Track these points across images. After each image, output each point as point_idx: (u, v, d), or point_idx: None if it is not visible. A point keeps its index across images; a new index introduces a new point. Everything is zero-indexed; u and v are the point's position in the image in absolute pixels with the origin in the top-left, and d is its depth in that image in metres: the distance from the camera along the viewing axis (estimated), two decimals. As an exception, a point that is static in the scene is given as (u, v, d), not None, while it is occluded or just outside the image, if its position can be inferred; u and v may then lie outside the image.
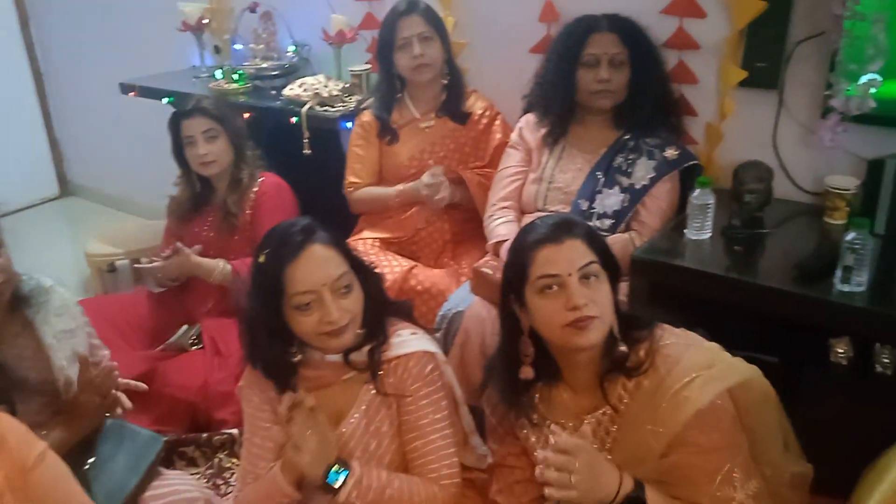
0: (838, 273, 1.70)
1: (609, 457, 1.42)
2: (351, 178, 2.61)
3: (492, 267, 2.10)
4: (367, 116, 2.60)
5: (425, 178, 2.45)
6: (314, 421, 1.52)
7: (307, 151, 2.72)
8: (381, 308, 1.65)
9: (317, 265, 1.52)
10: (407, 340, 1.63)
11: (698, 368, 1.41)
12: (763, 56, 2.15)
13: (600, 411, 1.46)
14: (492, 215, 2.34)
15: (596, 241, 1.46)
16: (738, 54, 2.20)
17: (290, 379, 1.60)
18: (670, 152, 2.20)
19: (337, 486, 1.51)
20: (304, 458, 1.50)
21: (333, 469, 1.51)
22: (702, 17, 2.24)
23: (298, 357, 1.59)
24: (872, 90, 1.94)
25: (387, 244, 2.56)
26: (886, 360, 1.74)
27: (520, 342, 1.49)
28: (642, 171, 2.18)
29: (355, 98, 2.77)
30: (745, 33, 2.17)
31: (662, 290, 1.95)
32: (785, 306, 1.77)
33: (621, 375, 1.45)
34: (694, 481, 1.38)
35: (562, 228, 1.44)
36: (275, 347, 1.57)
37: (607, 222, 2.18)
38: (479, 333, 2.09)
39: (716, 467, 1.37)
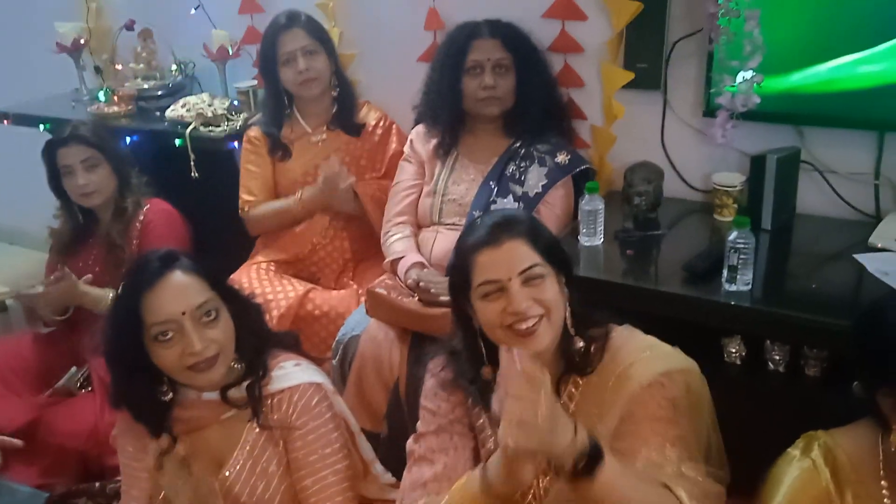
0: (724, 273, 1.70)
1: None
2: (245, 196, 2.50)
3: (386, 286, 2.04)
4: (254, 132, 2.50)
5: (322, 172, 2.35)
6: (187, 471, 1.43)
7: (194, 174, 2.60)
8: (261, 339, 1.57)
9: (176, 292, 1.43)
10: (290, 373, 1.55)
11: (641, 350, 1.38)
12: (644, 57, 2.15)
13: None
14: (388, 231, 2.28)
15: (540, 238, 1.38)
16: (619, 56, 2.19)
17: (163, 421, 1.50)
18: (561, 157, 2.18)
19: None
20: None
21: None
22: (583, 19, 2.23)
23: (169, 396, 1.49)
24: (755, 86, 1.95)
25: (284, 267, 2.47)
26: (777, 357, 1.75)
27: (477, 342, 1.41)
28: (535, 178, 2.16)
29: (242, 116, 2.67)
30: (624, 35, 2.16)
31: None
32: (677, 309, 1.77)
33: (574, 374, 1.39)
34: (630, 447, 1.30)
35: (501, 229, 1.35)
36: (139, 387, 1.47)
37: (504, 232, 2.14)
38: (375, 357, 2.02)
39: (652, 434, 1.30)
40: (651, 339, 1.43)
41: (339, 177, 2.33)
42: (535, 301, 1.32)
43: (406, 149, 2.36)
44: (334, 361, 2.11)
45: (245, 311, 1.56)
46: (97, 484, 2.13)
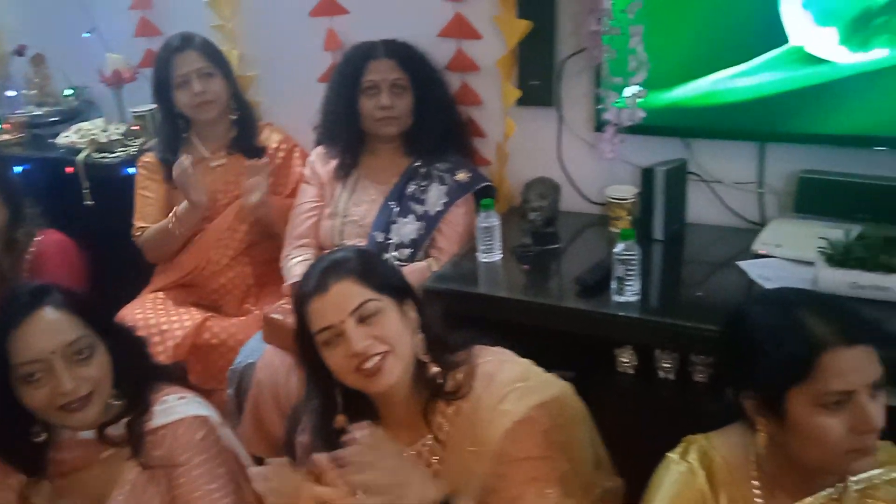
0: (613, 285, 1.72)
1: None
2: (138, 222, 2.42)
3: (282, 311, 2.00)
4: (149, 157, 2.44)
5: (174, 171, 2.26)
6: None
7: (88, 202, 2.51)
8: (142, 374, 1.52)
9: (45, 330, 1.37)
10: (173, 406, 1.50)
11: (513, 381, 1.37)
12: (536, 74, 2.18)
13: (421, 442, 1.40)
14: (288, 255, 2.24)
15: (371, 274, 1.37)
16: (513, 74, 2.22)
17: (38, 463, 1.43)
18: (461, 176, 2.19)
19: None
20: None
21: None
22: (478, 38, 2.26)
23: (42, 437, 1.42)
24: (639, 101, 2.00)
25: (185, 294, 2.39)
26: (667, 366, 1.78)
27: (333, 390, 1.39)
28: (435, 196, 2.16)
29: (139, 141, 2.60)
30: (517, 53, 2.19)
31: (459, 316, 1.91)
32: (571, 322, 1.79)
33: (440, 402, 1.39)
34: (514, 497, 1.33)
35: (327, 274, 1.35)
36: (10, 428, 1.40)
37: (405, 252, 2.14)
38: (272, 384, 1.97)
39: (531, 477, 1.33)
40: (524, 367, 1.43)
41: (188, 170, 2.25)
42: (375, 338, 1.32)
43: (306, 171, 2.33)
44: (230, 391, 2.05)
45: (125, 345, 1.51)
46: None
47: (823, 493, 1.19)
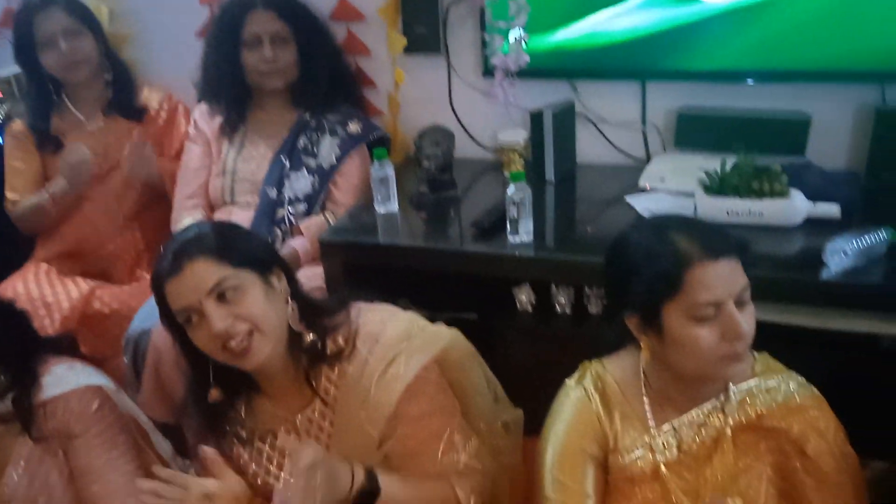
0: (508, 227, 1.76)
1: (331, 450, 1.35)
2: (9, 195, 2.28)
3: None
4: (18, 126, 2.29)
5: (65, 158, 2.17)
6: None
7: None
8: (24, 347, 1.45)
9: None
10: (63, 377, 1.45)
11: (399, 341, 1.37)
12: (421, 21, 2.17)
13: (310, 409, 1.39)
14: (178, 217, 2.17)
15: (228, 249, 1.31)
16: (398, 21, 2.20)
17: None
18: (353, 127, 2.16)
19: None
20: None
21: None
22: (361, -14, 2.22)
23: None
24: (524, 45, 2.02)
25: (70, 265, 2.28)
26: (563, 300, 1.84)
27: (206, 364, 1.36)
28: (327, 149, 2.13)
29: (4, 107, 2.43)
30: (400, 0, 2.17)
31: (359, 268, 1.91)
32: (470, 264, 1.82)
33: (323, 365, 1.37)
34: (416, 453, 1.36)
35: (181, 254, 1.29)
36: None
37: (301, 207, 2.11)
38: (171, 349, 1.91)
39: (433, 433, 1.36)
40: (407, 323, 1.43)
41: (85, 162, 2.16)
42: (237, 317, 1.28)
43: (191, 129, 2.25)
44: (126, 358, 1.98)
45: (6, 317, 1.45)
46: None
47: (707, 404, 1.27)
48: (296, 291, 1.39)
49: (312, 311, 1.39)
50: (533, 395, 1.56)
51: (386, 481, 1.32)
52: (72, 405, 1.43)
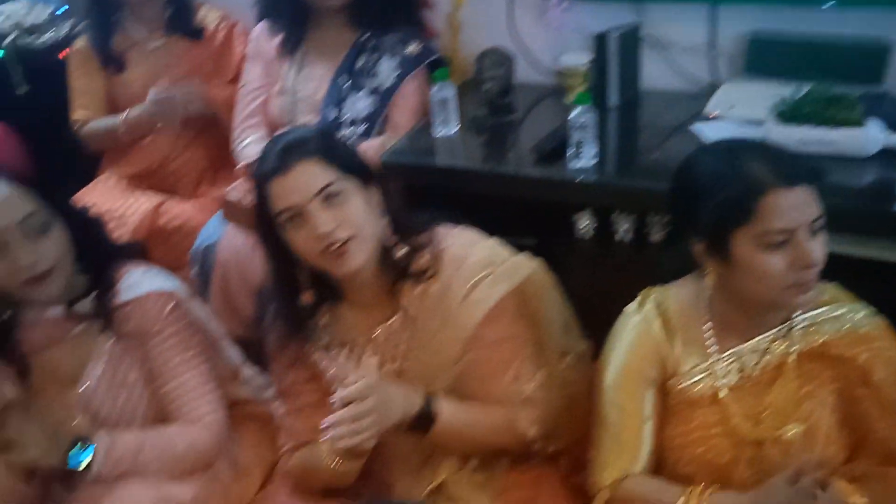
0: (570, 150, 1.74)
1: (402, 367, 1.40)
2: (77, 113, 2.33)
3: (241, 191, 1.98)
4: (80, 44, 2.32)
5: (151, 96, 2.21)
6: (25, 410, 1.38)
7: (23, 90, 2.39)
8: (102, 252, 1.51)
9: None
10: (139, 281, 1.50)
11: (483, 266, 1.39)
12: (485, -61, 2.11)
13: (389, 322, 1.42)
14: (239, 137, 2.19)
15: (334, 153, 1.34)
16: (461, -61, 2.14)
17: (5, 343, 1.44)
18: (412, 48, 2.13)
19: (83, 467, 1.37)
20: (32, 455, 1.35)
21: (74, 450, 1.37)
22: None
23: (7, 314, 1.42)
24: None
25: (137, 180, 2.34)
26: (625, 227, 1.83)
27: (295, 270, 1.39)
28: (386, 70, 2.11)
29: (69, 22, 2.45)
30: (465, -85, 2.11)
31: (418, 190, 1.92)
32: (530, 189, 1.81)
33: (407, 281, 1.40)
34: (485, 377, 1.39)
35: (289, 153, 1.31)
36: None
37: (360, 128, 2.11)
38: (237, 263, 1.98)
39: (505, 359, 1.39)
40: (491, 249, 1.44)
41: (174, 99, 2.19)
42: (340, 222, 1.30)
43: (249, 49, 2.25)
44: (193, 272, 2.05)
45: (82, 222, 1.49)
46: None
47: (772, 331, 1.26)
48: (388, 206, 1.40)
49: (403, 227, 1.41)
50: (592, 324, 1.57)
51: (445, 406, 1.35)
52: (147, 307, 1.48)
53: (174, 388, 1.49)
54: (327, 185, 1.30)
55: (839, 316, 1.25)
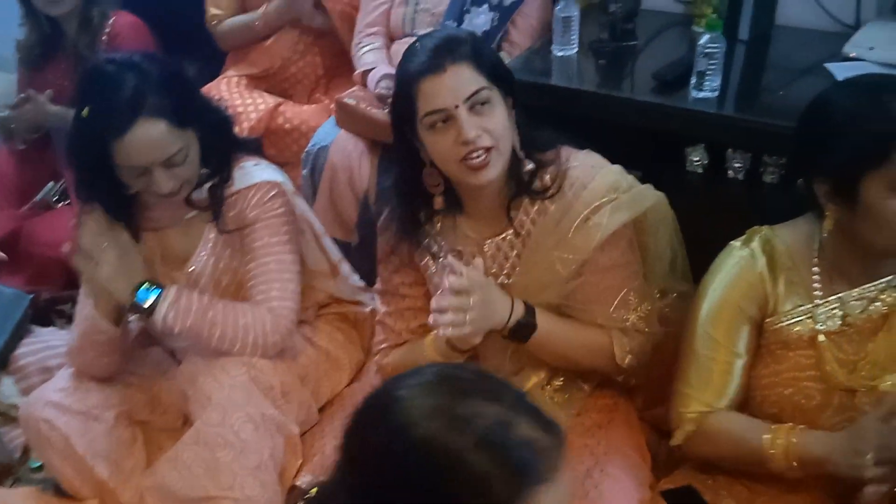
0: (693, 79, 1.69)
1: (508, 281, 1.42)
2: (212, 10, 2.42)
3: (356, 97, 2.02)
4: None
5: None
6: (113, 234, 1.48)
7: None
8: (224, 146, 1.58)
9: (147, 146, 1.41)
10: (250, 172, 1.58)
11: (606, 192, 1.37)
12: None
13: (501, 236, 1.43)
14: (359, 43, 2.22)
15: (484, 60, 1.31)
16: None
17: (130, 216, 1.55)
18: (539, -36, 2.09)
19: (147, 304, 1.47)
20: (102, 271, 1.45)
21: (142, 288, 1.48)
22: None
23: (133, 190, 1.49)
24: None
25: (255, 81, 2.42)
26: (738, 165, 1.77)
27: (423, 174, 1.39)
28: (511, -15, 2.08)
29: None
30: None
31: (532, 110, 1.90)
32: (647, 116, 1.77)
33: (526, 198, 1.39)
34: (592, 300, 1.40)
35: (443, 53, 1.27)
36: (103, 184, 1.49)
37: (479, 43, 2.10)
38: (346, 168, 2.04)
39: (614, 286, 1.39)
40: (616, 176, 1.40)
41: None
42: (484, 130, 1.28)
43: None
44: (304, 172, 2.13)
45: (212, 124, 1.54)
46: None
47: (882, 280, 1.21)
48: (520, 120, 1.39)
49: (531, 143, 1.39)
50: (697, 261, 1.55)
51: (546, 319, 1.37)
52: (251, 196, 1.55)
53: (253, 268, 1.55)
54: (477, 91, 1.27)
55: (959, 271, 1.19)
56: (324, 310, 1.76)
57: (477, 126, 1.28)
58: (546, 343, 1.38)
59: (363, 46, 2.20)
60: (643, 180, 1.73)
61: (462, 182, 1.36)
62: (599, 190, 1.37)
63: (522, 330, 1.36)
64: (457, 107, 1.27)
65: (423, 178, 1.39)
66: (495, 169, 1.31)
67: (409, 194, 1.42)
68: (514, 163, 1.37)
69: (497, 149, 1.30)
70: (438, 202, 1.41)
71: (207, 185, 1.55)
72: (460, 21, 2.09)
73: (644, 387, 1.55)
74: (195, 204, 1.55)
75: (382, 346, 1.55)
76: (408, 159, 1.39)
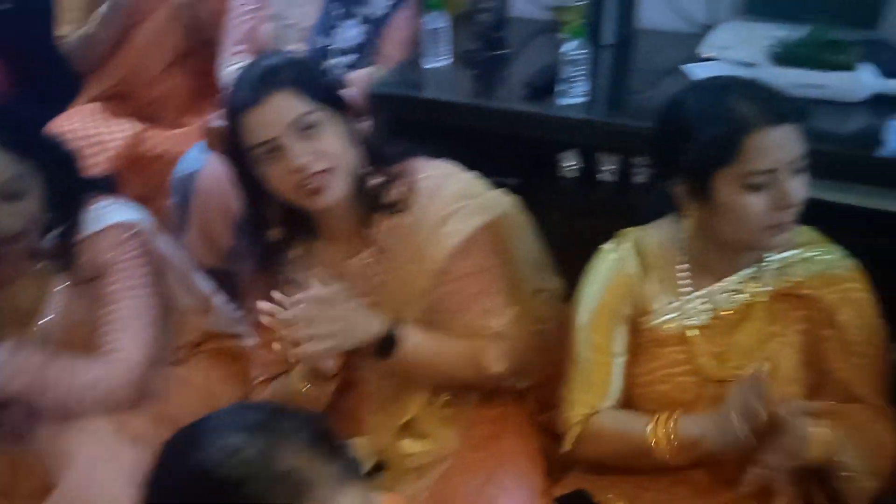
0: (561, 86, 1.72)
1: (378, 298, 1.38)
2: (63, 28, 2.24)
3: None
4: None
5: None
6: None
7: (5, 6, 2.34)
8: (71, 188, 1.47)
9: None
10: (101, 214, 1.48)
11: (458, 199, 1.36)
12: None
13: (361, 255, 1.40)
14: (225, 62, 2.15)
15: (309, 83, 1.29)
16: None
17: None
18: (405, -24, 2.08)
19: None
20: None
21: None
22: None
23: None
24: None
25: (119, 105, 2.30)
26: (609, 168, 1.82)
27: (268, 204, 1.35)
28: (380, -2, 2.06)
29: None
30: None
31: (405, 123, 1.89)
32: (518, 125, 1.79)
33: (380, 214, 1.37)
34: (456, 310, 1.38)
35: (263, 83, 1.25)
36: None
37: (349, 58, 2.07)
38: (217, 193, 1.94)
39: (475, 293, 1.38)
40: (468, 182, 1.41)
41: None
42: (316, 153, 1.26)
43: (240, -30, 2.19)
44: (173, 200, 2.04)
45: (56, 161, 1.44)
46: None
47: (744, 272, 1.26)
48: (364, 135, 1.37)
49: (379, 157, 1.37)
50: (570, 263, 1.57)
51: (411, 333, 1.34)
52: (105, 240, 1.45)
53: (105, 315, 1.46)
54: (302, 116, 1.25)
55: (812, 257, 1.25)
56: (200, 347, 1.67)
57: (308, 151, 1.26)
58: (415, 358, 1.34)
59: (230, 65, 2.13)
60: (519, 188, 1.75)
61: (304, 207, 1.33)
62: (450, 198, 1.36)
63: (387, 346, 1.32)
64: (281, 135, 1.25)
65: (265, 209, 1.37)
66: (334, 191, 1.30)
67: (260, 225, 1.39)
68: (359, 180, 1.35)
69: (335, 170, 1.28)
70: (276, 233, 1.39)
71: (55, 232, 1.44)
72: (329, 35, 2.06)
73: (535, 390, 1.55)
74: (42, 254, 1.44)
75: (258, 380, 1.50)
76: (253, 190, 1.35)
